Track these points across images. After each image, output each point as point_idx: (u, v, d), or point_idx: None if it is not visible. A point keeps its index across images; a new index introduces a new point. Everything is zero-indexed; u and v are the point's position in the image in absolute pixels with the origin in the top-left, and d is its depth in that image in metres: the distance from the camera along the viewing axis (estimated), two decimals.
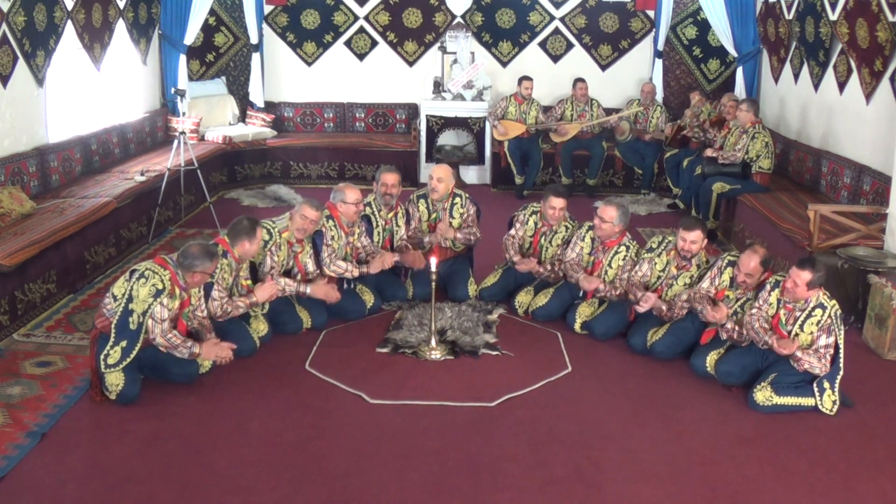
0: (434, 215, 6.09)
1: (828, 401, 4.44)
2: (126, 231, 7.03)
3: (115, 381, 4.35)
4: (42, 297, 5.69)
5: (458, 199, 6.11)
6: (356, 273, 5.64)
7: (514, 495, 3.70)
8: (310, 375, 4.84)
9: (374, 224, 5.92)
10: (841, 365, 4.46)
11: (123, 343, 4.31)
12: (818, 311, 4.49)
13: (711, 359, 4.79)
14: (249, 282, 5.13)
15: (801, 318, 4.53)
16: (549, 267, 5.78)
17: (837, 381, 4.46)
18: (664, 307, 5.17)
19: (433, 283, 5.20)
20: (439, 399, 4.54)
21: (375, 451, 4.03)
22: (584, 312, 5.49)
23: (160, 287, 4.33)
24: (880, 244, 5.74)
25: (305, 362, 4.98)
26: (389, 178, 5.87)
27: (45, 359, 4.96)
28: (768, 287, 4.70)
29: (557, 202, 5.76)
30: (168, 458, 3.95)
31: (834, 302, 4.52)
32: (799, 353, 4.47)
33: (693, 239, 5.16)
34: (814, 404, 4.47)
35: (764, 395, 4.46)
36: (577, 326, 5.47)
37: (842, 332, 4.48)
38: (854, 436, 4.26)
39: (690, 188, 8.29)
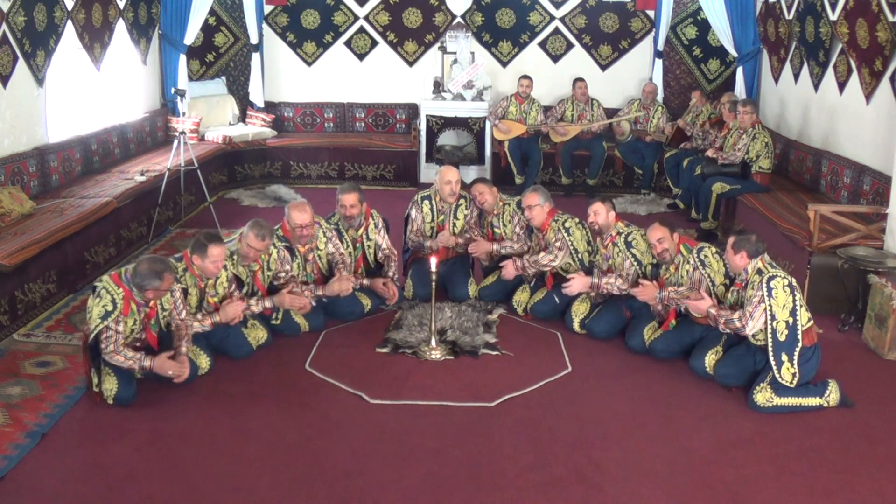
0: (441, 217, 6.09)
1: (786, 373, 4.45)
2: (126, 231, 7.03)
3: (109, 385, 4.39)
4: (42, 297, 5.69)
5: (462, 202, 6.11)
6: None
7: (514, 495, 3.70)
8: (310, 375, 4.84)
9: (345, 247, 5.76)
10: (798, 337, 4.45)
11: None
12: (756, 277, 4.56)
13: (710, 360, 4.79)
14: (216, 299, 4.94)
15: (746, 288, 4.63)
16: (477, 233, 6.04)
17: (796, 355, 4.46)
18: (597, 280, 5.37)
19: (433, 283, 5.20)
20: (439, 399, 4.55)
21: (375, 451, 4.03)
22: (580, 310, 5.50)
23: (109, 309, 4.31)
24: (880, 244, 5.74)
25: (305, 362, 4.99)
26: (348, 199, 5.73)
27: (45, 359, 4.97)
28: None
29: (478, 189, 5.95)
30: (168, 458, 3.95)
31: (779, 271, 4.54)
32: (713, 311, 4.67)
33: (595, 210, 5.42)
34: (816, 404, 4.47)
35: (764, 396, 4.45)
36: (575, 325, 5.47)
37: (789, 297, 4.44)
38: (854, 436, 4.25)
39: (690, 188, 8.29)
